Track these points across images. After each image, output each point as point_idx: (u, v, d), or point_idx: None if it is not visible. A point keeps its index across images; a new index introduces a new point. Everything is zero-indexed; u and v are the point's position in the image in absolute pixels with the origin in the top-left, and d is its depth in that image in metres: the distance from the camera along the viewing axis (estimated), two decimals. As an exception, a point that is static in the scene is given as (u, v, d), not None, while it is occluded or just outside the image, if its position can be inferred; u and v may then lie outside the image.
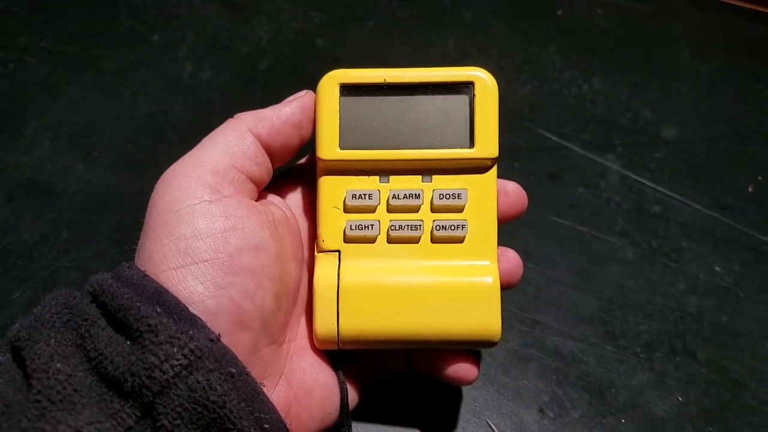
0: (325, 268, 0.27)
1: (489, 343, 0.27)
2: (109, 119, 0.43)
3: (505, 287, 0.28)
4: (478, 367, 0.29)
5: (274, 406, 0.23)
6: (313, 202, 0.29)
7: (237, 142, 0.26)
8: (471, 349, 0.29)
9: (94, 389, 0.21)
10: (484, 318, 0.27)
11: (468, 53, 0.48)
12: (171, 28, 0.48)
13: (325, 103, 0.27)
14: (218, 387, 0.21)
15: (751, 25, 0.50)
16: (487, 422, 0.33)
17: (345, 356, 0.29)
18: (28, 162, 0.41)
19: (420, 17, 0.50)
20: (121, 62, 0.46)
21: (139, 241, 0.25)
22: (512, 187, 0.29)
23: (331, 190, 0.28)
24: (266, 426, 0.22)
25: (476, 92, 0.27)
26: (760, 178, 0.42)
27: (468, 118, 0.27)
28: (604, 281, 0.38)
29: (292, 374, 0.26)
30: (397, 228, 0.27)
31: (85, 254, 0.38)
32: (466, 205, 0.28)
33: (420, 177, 0.28)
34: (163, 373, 0.20)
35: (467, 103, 0.27)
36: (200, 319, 0.22)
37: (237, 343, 0.23)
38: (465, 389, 0.34)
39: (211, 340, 0.22)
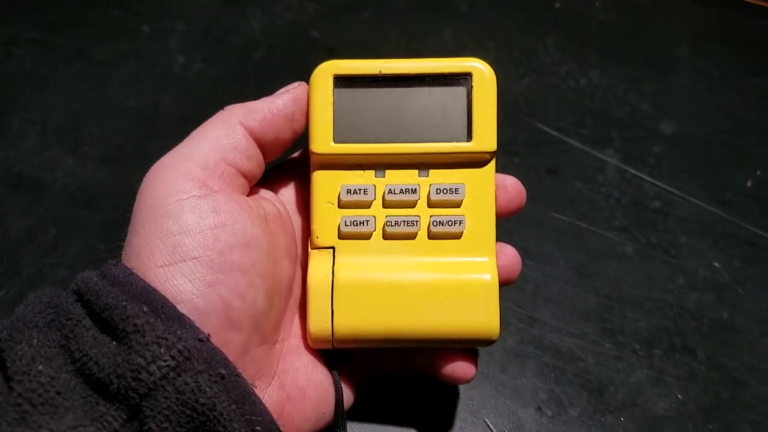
0: (319, 265, 0.27)
1: (487, 341, 0.27)
2: (99, 112, 0.42)
3: (504, 284, 0.27)
4: (476, 365, 0.28)
5: (266, 407, 0.22)
6: (307, 198, 0.28)
7: (227, 135, 0.25)
8: (468, 347, 0.29)
9: (78, 392, 0.20)
10: (482, 315, 0.26)
11: (464, 45, 0.47)
12: (162, 18, 0.47)
13: (318, 95, 0.27)
14: (208, 389, 0.20)
15: (749, 19, 0.49)
16: (485, 421, 0.32)
17: (340, 355, 0.28)
18: (15, 156, 0.40)
19: (416, 8, 0.49)
20: (111, 53, 0.45)
21: (127, 238, 0.24)
22: (511, 182, 0.28)
23: (325, 185, 0.27)
24: (258, 428, 0.22)
25: (474, 84, 0.27)
26: (758, 172, 0.42)
27: (465, 110, 0.27)
28: (602, 277, 0.37)
29: (285, 374, 0.26)
30: (393, 224, 0.27)
31: (73, 251, 0.37)
32: (464, 200, 0.27)
33: (416, 171, 0.27)
34: (150, 374, 0.20)
35: (465, 95, 0.27)
36: (189, 319, 0.21)
37: (227, 343, 0.22)
38: (462, 388, 0.33)
39: (201, 341, 0.21)
